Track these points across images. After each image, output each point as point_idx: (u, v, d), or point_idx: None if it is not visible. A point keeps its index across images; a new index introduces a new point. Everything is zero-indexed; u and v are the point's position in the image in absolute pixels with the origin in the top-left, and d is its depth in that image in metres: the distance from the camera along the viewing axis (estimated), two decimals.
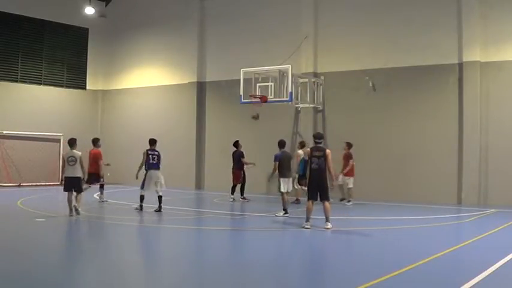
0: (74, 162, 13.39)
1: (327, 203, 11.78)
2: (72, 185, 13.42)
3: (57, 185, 24.11)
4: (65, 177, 13.61)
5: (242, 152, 18.50)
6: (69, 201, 13.36)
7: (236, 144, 18.59)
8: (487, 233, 11.44)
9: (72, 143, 13.74)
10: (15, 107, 23.70)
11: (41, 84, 24.90)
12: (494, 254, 8.91)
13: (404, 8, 18.99)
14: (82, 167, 13.52)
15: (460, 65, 17.96)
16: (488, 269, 7.74)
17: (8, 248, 9.85)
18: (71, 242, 11.18)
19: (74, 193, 13.46)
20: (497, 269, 7.88)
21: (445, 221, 13.59)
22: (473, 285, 6.91)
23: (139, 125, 24.66)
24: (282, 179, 14.18)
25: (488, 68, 17.60)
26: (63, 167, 13.90)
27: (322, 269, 8.29)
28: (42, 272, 7.89)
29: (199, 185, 23.50)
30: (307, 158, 11.96)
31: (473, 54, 17.69)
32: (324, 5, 20.60)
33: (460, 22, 17.96)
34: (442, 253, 9.06)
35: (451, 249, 9.61)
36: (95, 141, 16.62)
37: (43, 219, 13.08)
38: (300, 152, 16.42)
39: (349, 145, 17.65)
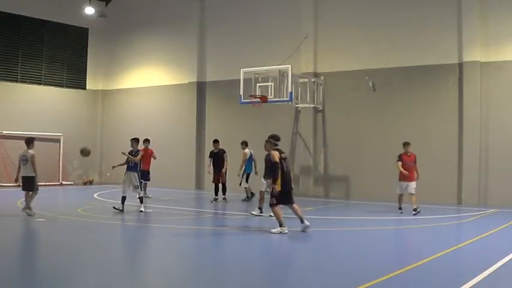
0: (25, 162, 13.45)
1: (296, 205, 11.46)
2: (25, 184, 13.52)
3: (57, 185, 24.15)
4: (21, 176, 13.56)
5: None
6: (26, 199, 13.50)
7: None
8: (487, 233, 11.44)
9: (28, 142, 13.64)
10: (15, 107, 23.69)
11: (41, 84, 24.89)
12: (494, 254, 8.91)
13: (404, 8, 18.98)
14: (33, 166, 13.39)
15: (460, 65, 17.97)
16: (488, 269, 7.74)
17: (8, 248, 9.85)
18: (70, 241, 11.17)
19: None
20: (497, 269, 7.88)
21: (445, 221, 13.59)
22: (473, 285, 6.91)
23: (139, 125, 24.63)
24: (268, 179, 14.01)
25: (488, 68, 17.60)
26: (19, 166, 13.65)
27: (322, 269, 8.29)
28: (42, 272, 7.88)
29: (199, 185, 23.49)
30: (277, 160, 11.25)
31: (473, 54, 17.70)
32: (324, 5, 20.60)
33: (460, 22, 17.96)
34: (442, 253, 9.06)
35: (451, 249, 9.61)
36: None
37: (43, 219, 13.08)
38: (247, 151, 17.18)
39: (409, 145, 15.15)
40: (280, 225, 11.22)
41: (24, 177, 13.50)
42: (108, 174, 25.69)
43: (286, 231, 11.14)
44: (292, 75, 18.27)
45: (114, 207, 14.36)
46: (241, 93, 18.93)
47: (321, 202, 18.35)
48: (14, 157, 23.55)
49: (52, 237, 11.29)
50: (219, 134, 22.90)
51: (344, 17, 20.26)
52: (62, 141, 24.64)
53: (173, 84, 24.72)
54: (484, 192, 17.47)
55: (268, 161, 11.48)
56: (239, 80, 19.03)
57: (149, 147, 18.35)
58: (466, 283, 6.92)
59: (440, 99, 18.33)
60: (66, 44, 25.73)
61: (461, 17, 17.91)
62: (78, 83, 26.36)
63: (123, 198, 14.31)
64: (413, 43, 18.70)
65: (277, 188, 11.18)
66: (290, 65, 18.29)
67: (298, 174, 20.68)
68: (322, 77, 20.43)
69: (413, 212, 14.28)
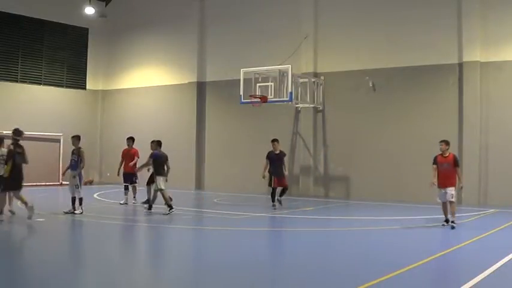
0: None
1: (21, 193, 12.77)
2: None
3: (57, 185, 24.15)
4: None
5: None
6: (4, 201, 13.04)
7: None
8: (487, 233, 11.44)
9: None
10: (15, 107, 23.68)
11: (41, 84, 24.89)
12: (494, 254, 8.90)
13: (404, 8, 18.98)
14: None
15: (460, 65, 17.97)
16: (488, 269, 7.74)
17: (8, 248, 9.85)
18: (70, 242, 11.19)
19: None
20: (497, 269, 7.88)
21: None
22: (473, 285, 6.91)
23: (139, 125, 24.64)
24: (159, 177, 14.21)
25: (488, 68, 17.60)
26: None
27: (323, 269, 8.29)
28: (42, 272, 7.88)
29: (199, 185, 23.50)
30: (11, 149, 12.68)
31: (473, 54, 17.70)
32: (324, 5, 20.60)
33: (460, 22, 17.95)
34: (442, 253, 9.07)
35: (451, 249, 9.61)
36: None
37: (43, 219, 13.08)
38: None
39: (449, 144, 12.65)
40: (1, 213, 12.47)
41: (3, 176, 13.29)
42: (108, 174, 25.68)
43: (2, 219, 12.36)
44: (292, 75, 18.26)
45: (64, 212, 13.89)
46: (241, 93, 18.93)
47: (321, 202, 18.35)
48: None
49: (52, 238, 11.29)
50: (219, 134, 23.01)
51: (344, 17, 20.26)
52: (62, 141, 24.64)
53: (173, 84, 24.72)
54: (484, 192, 17.47)
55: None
56: (239, 80, 19.02)
57: (133, 147, 17.11)
58: (466, 283, 6.93)
59: (440, 99, 18.33)
60: (66, 44, 25.72)
61: (461, 17, 17.91)
62: (78, 83, 26.36)
63: (73, 200, 13.87)
64: (413, 43, 18.69)
65: (6, 174, 12.37)
66: (290, 65, 18.28)
67: (298, 174, 20.70)
68: (322, 77, 20.43)
69: (452, 225, 12.09)
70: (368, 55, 19.60)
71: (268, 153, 16.01)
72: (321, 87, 20.37)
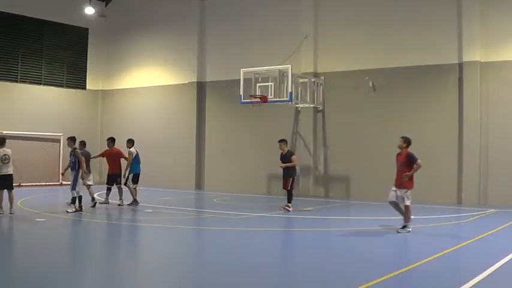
0: (8, 160, 13.71)
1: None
2: (6, 182, 13.64)
3: (57, 185, 24.15)
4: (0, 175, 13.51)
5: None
6: (1, 199, 13.56)
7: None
8: (486, 233, 11.44)
9: (2, 141, 13.79)
10: (15, 107, 23.70)
11: (41, 84, 24.89)
12: (494, 254, 8.91)
13: (404, 8, 18.99)
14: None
15: (460, 65, 17.97)
16: (488, 269, 7.74)
17: (8, 248, 9.85)
18: (70, 242, 11.19)
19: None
20: (497, 269, 7.88)
21: (445, 221, 13.59)
22: (473, 285, 6.91)
23: (139, 125, 24.67)
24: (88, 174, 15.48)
25: (488, 68, 17.59)
26: None
27: (323, 269, 8.29)
28: (42, 272, 7.88)
29: (199, 185, 23.50)
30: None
31: (473, 54, 17.69)
32: (324, 5, 20.60)
33: (460, 22, 17.96)
34: (442, 253, 9.06)
35: (451, 249, 9.61)
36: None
37: (43, 219, 13.08)
38: (132, 150, 16.18)
39: (407, 141, 11.71)
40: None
41: (6, 175, 13.70)
42: None
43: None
44: (292, 75, 18.27)
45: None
46: (241, 93, 18.94)
47: (320, 202, 18.35)
48: (14, 157, 23.45)
49: (52, 238, 11.29)
50: (219, 134, 23.00)
51: (344, 17, 20.25)
52: (62, 141, 24.65)
53: (173, 84, 24.72)
54: (484, 192, 17.46)
55: None
56: (239, 80, 19.04)
57: (115, 147, 16.60)
58: (466, 283, 6.93)
59: (440, 99, 18.33)
60: (66, 44, 25.73)
61: (461, 17, 17.91)
62: (78, 83, 26.36)
63: (79, 198, 14.19)
64: (413, 43, 18.69)
65: None
66: (290, 65, 18.29)
67: (298, 174, 20.68)
68: (322, 77, 20.43)
69: (402, 230, 11.29)
70: (368, 55, 19.59)
71: (280, 154, 15.76)
72: (321, 87, 20.37)
